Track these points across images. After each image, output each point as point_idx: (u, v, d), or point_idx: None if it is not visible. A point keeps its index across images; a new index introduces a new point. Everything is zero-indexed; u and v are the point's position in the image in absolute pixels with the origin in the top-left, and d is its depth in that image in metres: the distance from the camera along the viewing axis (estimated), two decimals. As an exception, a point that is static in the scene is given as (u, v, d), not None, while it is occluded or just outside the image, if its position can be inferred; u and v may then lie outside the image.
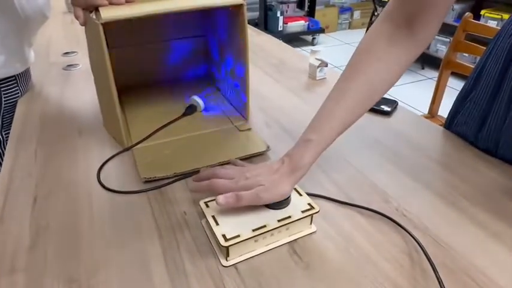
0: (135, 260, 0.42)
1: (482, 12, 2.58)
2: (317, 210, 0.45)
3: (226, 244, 0.40)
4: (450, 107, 0.69)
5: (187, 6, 0.55)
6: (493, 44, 0.61)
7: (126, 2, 0.56)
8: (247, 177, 0.46)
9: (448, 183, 0.55)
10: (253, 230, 0.42)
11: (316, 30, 3.50)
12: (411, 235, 0.45)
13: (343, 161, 0.60)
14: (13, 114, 0.77)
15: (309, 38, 3.60)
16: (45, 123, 0.71)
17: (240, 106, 0.71)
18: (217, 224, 0.43)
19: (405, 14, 0.47)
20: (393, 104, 0.77)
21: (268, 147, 0.61)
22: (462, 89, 0.66)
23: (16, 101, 0.78)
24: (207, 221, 0.44)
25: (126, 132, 0.64)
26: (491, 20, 2.52)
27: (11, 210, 0.50)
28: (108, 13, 0.52)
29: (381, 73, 0.48)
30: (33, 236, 0.45)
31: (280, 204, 0.45)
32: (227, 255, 0.42)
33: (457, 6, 2.85)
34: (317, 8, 3.65)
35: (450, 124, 0.68)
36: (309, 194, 0.48)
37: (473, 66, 1.28)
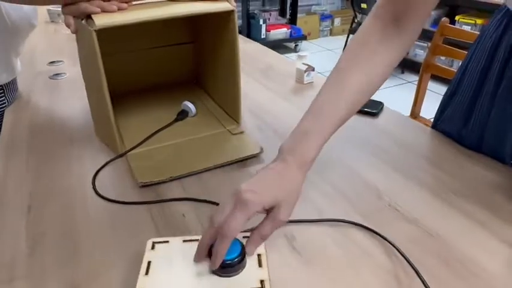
0: (136, 263, 0.42)
1: (457, 18, 2.68)
2: None
3: None
4: (430, 109, 0.72)
5: (179, 12, 0.56)
6: (474, 46, 0.64)
7: (118, 9, 0.56)
8: (264, 205, 0.39)
9: (436, 178, 0.57)
10: None
11: (298, 37, 3.56)
12: (385, 239, 0.45)
13: (335, 160, 0.61)
14: (0, 124, 0.76)
15: (292, 45, 3.65)
16: (35, 132, 0.70)
17: (231, 111, 0.72)
18: (146, 273, 0.37)
19: (393, 12, 0.49)
20: (379, 105, 0.79)
21: (261, 149, 0.62)
22: (447, 89, 0.69)
23: (3, 112, 0.77)
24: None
25: (120, 139, 0.64)
26: (466, 25, 2.62)
27: (6, 220, 0.49)
28: (102, 20, 0.52)
29: (377, 66, 0.49)
30: (31, 244, 0.45)
31: (229, 270, 0.38)
32: None
33: (433, 13, 2.95)
34: (298, 15, 3.71)
35: (437, 122, 0.71)
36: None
37: (450, 69, 1.34)
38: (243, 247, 0.39)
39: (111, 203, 0.52)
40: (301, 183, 0.43)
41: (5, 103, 0.78)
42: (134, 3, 0.60)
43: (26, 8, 0.72)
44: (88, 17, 0.55)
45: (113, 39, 0.72)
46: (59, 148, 0.65)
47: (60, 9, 1.01)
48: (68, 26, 0.59)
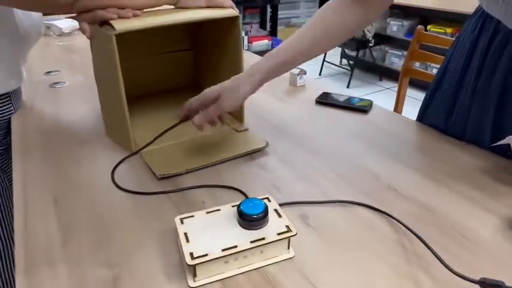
0: (166, 241, 0.46)
1: (429, 27, 2.85)
2: (294, 234, 0.43)
3: (192, 263, 0.39)
4: (411, 111, 0.79)
5: (192, 18, 0.61)
6: (453, 46, 0.71)
7: (133, 16, 0.60)
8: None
9: (427, 163, 0.63)
10: (223, 250, 0.40)
11: (279, 48, 3.66)
12: (387, 214, 0.50)
13: (336, 151, 0.67)
14: (5, 131, 0.78)
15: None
16: (46, 135, 0.72)
17: (234, 111, 0.77)
18: (187, 241, 0.41)
19: None
20: (369, 102, 0.86)
21: (267, 143, 0.67)
22: (429, 86, 0.76)
23: (9, 118, 0.79)
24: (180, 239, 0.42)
25: (133, 138, 0.67)
26: (437, 34, 2.80)
27: (35, 212, 0.52)
28: (121, 25, 0.56)
29: (336, 22, 0.62)
30: (63, 233, 0.48)
31: (256, 224, 0.43)
32: (194, 275, 0.40)
33: (406, 23, 3.13)
34: (278, 28, 3.83)
35: (422, 117, 0.77)
36: (286, 203, 0.51)
37: (426, 72, 1.44)
38: (266, 206, 0.44)
39: (132, 194, 0.55)
40: (246, 87, 0.60)
41: (11, 110, 0.80)
42: (145, 11, 0.64)
43: (35, 16, 0.75)
44: (104, 23, 0.60)
45: (120, 47, 0.76)
46: (73, 149, 0.68)
47: (49, 22, 1.02)
48: (83, 32, 0.62)
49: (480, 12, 0.65)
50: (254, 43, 3.52)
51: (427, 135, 0.73)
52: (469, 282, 0.38)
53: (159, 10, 0.64)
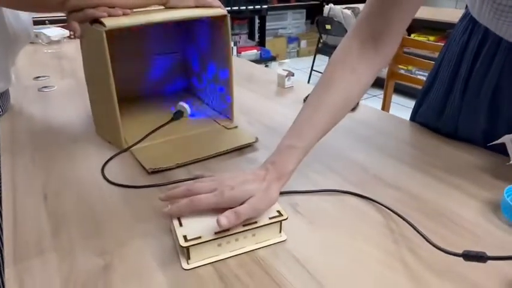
0: (158, 230, 0.46)
1: (412, 35, 2.94)
2: (285, 218, 0.44)
3: (185, 244, 0.39)
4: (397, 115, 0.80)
5: (180, 16, 0.63)
6: (445, 49, 0.72)
7: (123, 14, 0.62)
8: (232, 186, 0.44)
9: (415, 157, 0.65)
10: (216, 233, 0.41)
11: (268, 58, 3.72)
12: (374, 200, 0.52)
13: (324, 145, 0.68)
14: (-5, 132, 0.77)
15: (262, 65, 3.81)
16: (35, 135, 0.72)
17: (224, 108, 0.78)
18: (181, 225, 0.42)
19: (371, 31, 0.53)
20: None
21: (256, 138, 0.68)
22: (422, 86, 0.77)
23: (-3, 120, 0.79)
24: (173, 224, 0.43)
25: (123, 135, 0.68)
26: (420, 42, 2.89)
27: (25, 207, 0.51)
28: (111, 22, 0.58)
29: (355, 84, 0.53)
30: (54, 224, 0.48)
31: None
32: (188, 257, 0.41)
33: (391, 32, 3.21)
34: (267, 38, 3.89)
35: (414, 116, 0.79)
36: (285, 192, 0.51)
37: (410, 75, 1.48)
38: None
39: (123, 188, 0.56)
40: (276, 191, 0.46)
41: (0, 112, 0.80)
42: (135, 10, 0.65)
43: (24, 18, 0.76)
44: (94, 21, 0.61)
45: (111, 47, 0.77)
46: (62, 147, 0.68)
47: (38, 30, 1.01)
48: (73, 31, 0.63)
49: (469, 17, 0.66)
50: (243, 53, 3.57)
51: (417, 132, 0.75)
52: (453, 259, 0.39)
53: (149, 10, 0.66)
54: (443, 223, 0.48)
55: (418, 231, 0.44)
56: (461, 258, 0.38)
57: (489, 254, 0.37)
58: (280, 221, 0.44)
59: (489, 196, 0.53)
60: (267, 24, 3.83)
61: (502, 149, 0.58)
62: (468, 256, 0.36)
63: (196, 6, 0.67)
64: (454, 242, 0.45)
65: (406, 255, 0.43)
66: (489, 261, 0.37)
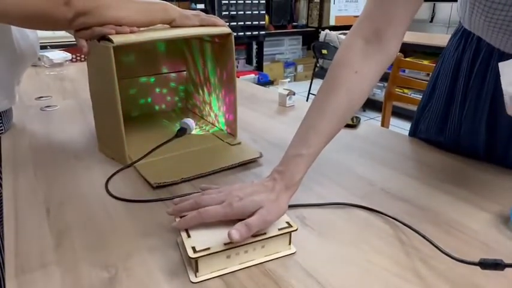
0: (164, 243, 0.45)
1: (407, 59, 3.02)
2: (295, 228, 0.43)
3: (194, 256, 0.38)
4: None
5: (187, 34, 0.64)
6: (439, 64, 0.73)
7: (130, 32, 0.63)
8: (241, 197, 0.43)
9: (420, 170, 0.65)
10: (225, 244, 0.40)
11: (266, 82, 3.78)
12: (382, 213, 0.51)
13: (328, 161, 0.68)
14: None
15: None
16: (38, 152, 0.72)
17: (227, 125, 0.79)
18: (189, 236, 0.41)
19: (374, 29, 0.51)
20: (357, 118, 0.89)
21: (261, 154, 0.68)
22: (420, 102, 0.78)
23: (-1, 138, 0.79)
24: (181, 236, 0.42)
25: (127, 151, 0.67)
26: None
27: (27, 222, 0.50)
28: (119, 38, 0.58)
29: (359, 85, 0.51)
30: (56, 238, 0.47)
31: None
32: (196, 269, 0.40)
33: (386, 57, 3.29)
34: (264, 63, 3.97)
35: (414, 133, 0.79)
36: (292, 206, 0.50)
37: (407, 96, 1.51)
38: None
39: (127, 202, 0.55)
40: (285, 201, 0.45)
41: (1, 130, 0.79)
42: (142, 29, 0.67)
43: (32, 36, 0.77)
44: (101, 38, 0.62)
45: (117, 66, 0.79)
46: (65, 163, 0.67)
47: (41, 53, 1.01)
48: (81, 48, 0.64)
49: (461, 31, 0.68)
50: (241, 77, 3.62)
51: (420, 147, 0.75)
52: (469, 270, 0.38)
53: (155, 28, 0.67)
54: (454, 234, 0.47)
55: (431, 242, 0.43)
56: (476, 269, 0.37)
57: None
58: (290, 232, 0.43)
59: (498, 208, 0.53)
60: (264, 49, 3.92)
61: (504, 162, 0.58)
62: (485, 264, 0.35)
63: (202, 25, 0.69)
64: (467, 252, 0.44)
65: (420, 266, 0.42)
66: (505, 272, 0.36)
